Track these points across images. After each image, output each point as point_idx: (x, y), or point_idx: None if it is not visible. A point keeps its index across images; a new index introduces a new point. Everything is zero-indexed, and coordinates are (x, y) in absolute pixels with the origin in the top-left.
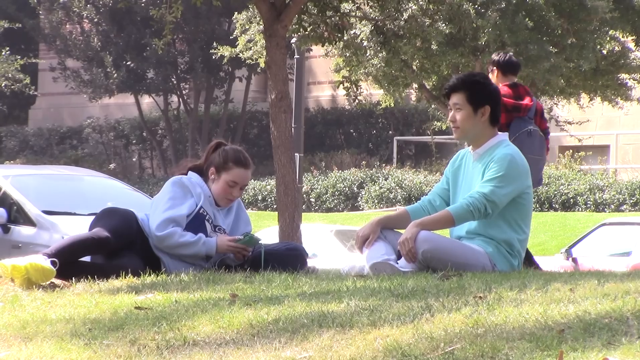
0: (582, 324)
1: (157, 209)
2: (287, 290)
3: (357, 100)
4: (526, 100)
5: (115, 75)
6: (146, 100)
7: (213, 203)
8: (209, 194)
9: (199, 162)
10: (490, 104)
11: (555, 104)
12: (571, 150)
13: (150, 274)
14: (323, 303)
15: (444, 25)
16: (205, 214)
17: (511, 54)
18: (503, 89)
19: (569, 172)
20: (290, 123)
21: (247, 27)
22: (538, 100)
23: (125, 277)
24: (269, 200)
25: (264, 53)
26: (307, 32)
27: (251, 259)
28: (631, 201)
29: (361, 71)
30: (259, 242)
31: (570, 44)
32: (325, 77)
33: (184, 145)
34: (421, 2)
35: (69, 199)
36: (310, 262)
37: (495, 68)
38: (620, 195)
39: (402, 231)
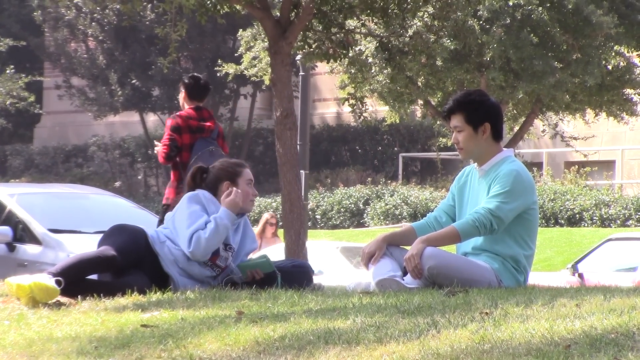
0: (589, 340)
1: (180, 228)
2: (293, 307)
3: (362, 117)
4: (209, 122)
5: (120, 93)
6: (151, 118)
7: None
8: None
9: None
10: (490, 120)
11: (561, 119)
12: (577, 166)
13: (156, 292)
14: (329, 320)
15: (449, 41)
16: None
17: (201, 78)
18: (188, 111)
19: (575, 187)
20: (295, 140)
21: (252, 44)
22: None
23: (131, 295)
24: None
25: (269, 70)
26: (312, 49)
27: (261, 279)
28: (637, 216)
29: (366, 88)
30: (274, 269)
31: (575, 59)
32: (331, 94)
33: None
34: (426, 19)
35: (75, 217)
36: (316, 279)
37: (184, 90)
38: (626, 211)
39: (407, 248)
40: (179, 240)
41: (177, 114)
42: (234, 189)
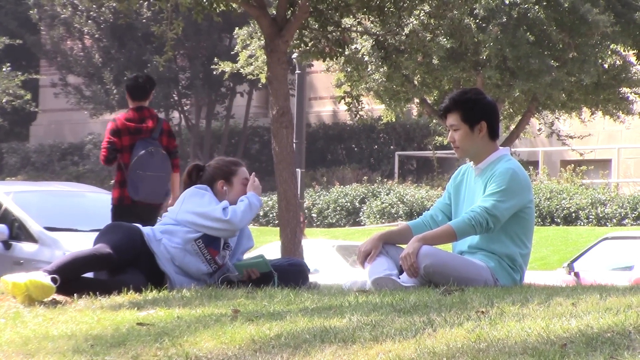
0: (585, 339)
1: (206, 207)
2: (289, 306)
3: (358, 116)
4: (149, 123)
5: (116, 91)
6: None
7: None
8: None
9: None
10: (486, 119)
11: (557, 118)
12: (573, 165)
13: (152, 290)
14: (325, 318)
15: (445, 40)
16: None
17: (140, 77)
18: (129, 112)
19: (571, 186)
20: (291, 138)
21: (248, 42)
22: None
23: (127, 293)
24: (271, 215)
25: (265, 68)
26: (308, 48)
27: (257, 278)
28: (633, 215)
29: (362, 86)
30: (271, 269)
31: (571, 58)
32: (327, 92)
33: (186, 160)
34: (422, 17)
35: (71, 215)
36: (312, 278)
37: (126, 91)
38: (622, 210)
39: (404, 246)
40: (208, 218)
41: (115, 117)
42: (253, 175)
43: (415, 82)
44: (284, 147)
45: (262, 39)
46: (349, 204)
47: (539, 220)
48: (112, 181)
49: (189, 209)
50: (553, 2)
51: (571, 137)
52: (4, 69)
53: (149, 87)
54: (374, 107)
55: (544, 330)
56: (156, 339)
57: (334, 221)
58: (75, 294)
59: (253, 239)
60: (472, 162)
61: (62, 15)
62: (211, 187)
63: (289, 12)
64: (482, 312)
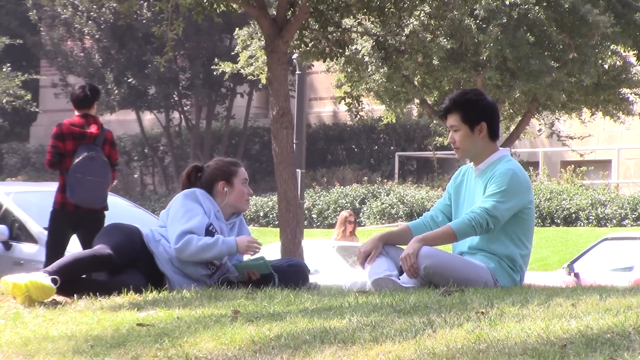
0: (584, 339)
1: (174, 222)
2: (289, 307)
3: (358, 116)
4: (93, 129)
5: (117, 91)
6: (148, 117)
7: (221, 217)
8: (217, 209)
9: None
10: (486, 119)
11: (557, 118)
12: (573, 165)
13: (152, 291)
14: (325, 319)
15: (445, 40)
16: (214, 230)
17: (84, 87)
18: (74, 118)
19: (571, 187)
20: (291, 139)
21: (248, 43)
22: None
23: (127, 294)
24: (271, 216)
25: (266, 69)
26: (308, 48)
27: (256, 280)
28: (633, 216)
29: (363, 87)
30: (271, 271)
31: (571, 58)
32: (327, 93)
33: (186, 161)
34: (422, 18)
35: None
36: (312, 278)
37: (72, 101)
38: (622, 210)
39: (404, 247)
40: (169, 234)
41: (61, 122)
42: (256, 243)
43: (416, 83)
44: (284, 148)
45: (262, 39)
46: (349, 205)
47: (539, 220)
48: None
49: (170, 216)
50: (553, 2)
51: (571, 138)
52: (4, 69)
53: (94, 97)
54: (374, 108)
55: (544, 331)
56: (156, 339)
57: (334, 222)
58: (75, 295)
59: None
60: (472, 163)
61: (63, 16)
62: (211, 188)
63: (289, 12)
64: (482, 312)
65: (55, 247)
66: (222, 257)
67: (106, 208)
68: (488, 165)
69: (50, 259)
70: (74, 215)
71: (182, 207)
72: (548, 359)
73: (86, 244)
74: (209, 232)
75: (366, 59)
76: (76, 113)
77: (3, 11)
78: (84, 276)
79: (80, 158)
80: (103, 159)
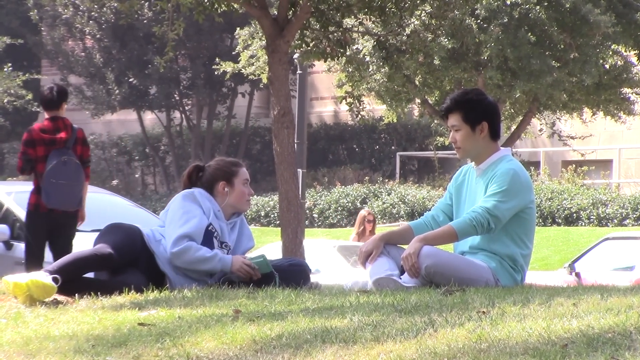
0: (586, 339)
1: (171, 225)
2: (290, 306)
3: (359, 116)
4: (62, 134)
5: (118, 91)
6: (149, 117)
7: (222, 217)
8: (217, 208)
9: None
10: (487, 119)
11: (558, 118)
12: (574, 165)
13: (153, 290)
14: (326, 319)
15: (446, 40)
16: (213, 230)
17: (54, 88)
18: (44, 123)
19: (572, 186)
20: (292, 139)
21: (249, 42)
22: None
23: (128, 294)
24: (272, 216)
25: (267, 69)
26: (309, 48)
27: (257, 280)
28: (634, 215)
29: (364, 86)
30: (272, 270)
31: (572, 58)
32: (328, 93)
33: (187, 161)
34: (423, 17)
35: None
36: (313, 278)
37: (40, 103)
38: (623, 210)
39: (405, 246)
40: (166, 236)
41: (31, 127)
42: (250, 268)
43: (417, 83)
44: (285, 148)
45: (263, 39)
46: (350, 204)
47: (540, 220)
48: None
49: (167, 218)
50: (554, 2)
51: (572, 138)
52: (5, 69)
53: (61, 98)
54: (375, 108)
55: (545, 330)
56: (157, 339)
57: (335, 221)
58: (76, 294)
59: (254, 239)
60: (473, 163)
61: (64, 16)
62: (212, 187)
63: (290, 12)
64: (483, 312)
65: (34, 248)
66: (215, 271)
67: (80, 209)
68: (489, 165)
69: (30, 260)
70: (48, 217)
71: (180, 209)
72: (549, 359)
73: (56, 245)
74: (209, 232)
75: (367, 58)
76: (45, 116)
77: (4, 11)
78: (85, 276)
79: (53, 163)
80: (75, 162)
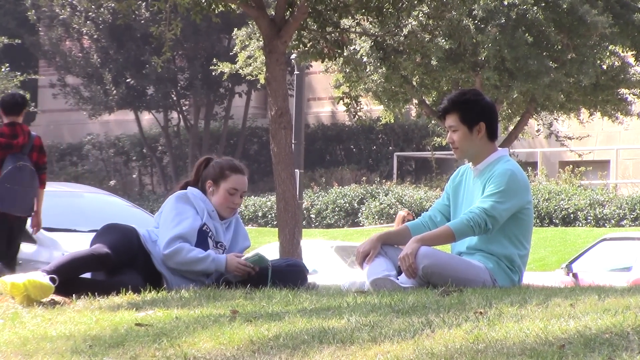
0: (583, 340)
1: (164, 226)
2: (287, 307)
3: (357, 116)
4: (20, 139)
5: (115, 91)
6: (146, 117)
7: (216, 217)
8: (212, 209)
9: (189, 179)
10: (485, 120)
11: (556, 119)
12: (571, 166)
13: (150, 291)
14: (324, 319)
15: (443, 40)
16: (208, 230)
17: (15, 94)
18: (2, 128)
19: (569, 187)
20: (290, 139)
21: (246, 43)
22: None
23: (125, 294)
24: (269, 216)
25: (264, 69)
26: (306, 48)
27: (255, 277)
28: (631, 216)
29: (361, 87)
30: (268, 263)
31: (570, 59)
32: (325, 93)
33: (184, 161)
34: (421, 18)
35: (69, 215)
36: (310, 278)
37: (1, 107)
38: (621, 210)
39: (402, 247)
40: (160, 237)
41: None
42: (246, 267)
43: (414, 83)
44: (283, 148)
45: (260, 39)
46: (347, 205)
47: (538, 221)
48: (112, 182)
49: (161, 220)
50: (552, 3)
51: (570, 138)
52: (2, 70)
53: (23, 105)
54: (372, 108)
55: (542, 331)
56: (155, 339)
57: (332, 222)
58: (73, 295)
59: (249, 239)
60: (470, 163)
61: (61, 16)
62: (203, 184)
63: (288, 12)
64: (481, 313)
65: None
66: (210, 272)
67: (34, 216)
68: (487, 165)
69: None
70: (2, 220)
71: (173, 211)
72: (546, 359)
73: (10, 248)
74: (203, 232)
75: (364, 59)
76: (4, 121)
77: (1, 11)
78: (82, 276)
79: (9, 168)
80: (30, 167)
